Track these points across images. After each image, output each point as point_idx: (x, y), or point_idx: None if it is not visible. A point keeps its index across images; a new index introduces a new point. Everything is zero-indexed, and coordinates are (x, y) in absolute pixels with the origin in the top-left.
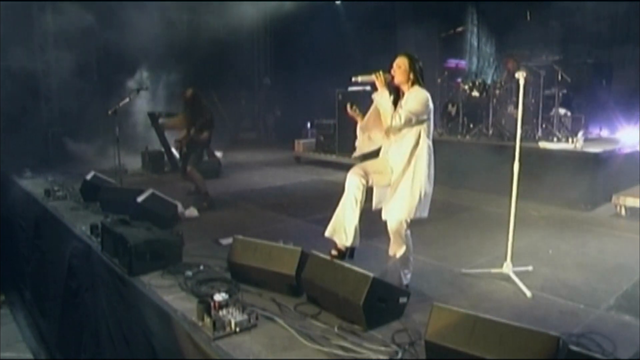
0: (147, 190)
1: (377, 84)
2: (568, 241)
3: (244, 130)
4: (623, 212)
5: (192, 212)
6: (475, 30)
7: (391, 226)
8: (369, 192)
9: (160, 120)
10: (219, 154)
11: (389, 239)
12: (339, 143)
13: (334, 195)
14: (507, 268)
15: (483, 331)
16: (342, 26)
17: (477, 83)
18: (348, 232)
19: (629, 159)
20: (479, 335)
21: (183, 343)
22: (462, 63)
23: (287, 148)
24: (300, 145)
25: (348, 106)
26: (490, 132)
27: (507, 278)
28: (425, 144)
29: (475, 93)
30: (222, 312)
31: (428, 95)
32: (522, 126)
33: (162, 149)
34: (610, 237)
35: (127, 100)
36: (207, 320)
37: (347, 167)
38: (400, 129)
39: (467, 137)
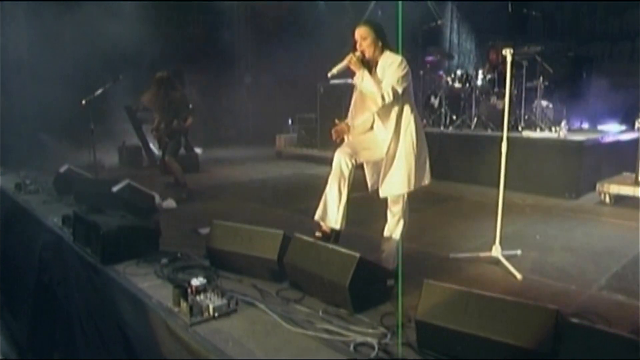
0: (123, 181)
1: (353, 67)
2: (554, 227)
3: (224, 127)
4: (607, 199)
5: (170, 203)
6: (455, 26)
7: (392, 200)
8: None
9: (137, 111)
10: (198, 150)
11: (377, 225)
12: (321, 137)
13: (317, 187)
14: (496, 251)
15: (477, 308)
16: (323, 20)
17: (459, 74)
18: (334, 213)
19: (612, 147)
20: (472, 312)
21: (158, 331)
22: (444, 54)
23: (268, 145)
24: (281, 140)
25: (333, 132)
26: (474, 123)
27: (496, 262)
28: (410, 109)
29: (458, 84)
30: (200, 297)
31: (402, 58)
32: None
33: (140, 144)
34: (596, 222)
35: (101, 90)
36: (184, 305)
37: (329, 161)
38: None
39: (450, 128)
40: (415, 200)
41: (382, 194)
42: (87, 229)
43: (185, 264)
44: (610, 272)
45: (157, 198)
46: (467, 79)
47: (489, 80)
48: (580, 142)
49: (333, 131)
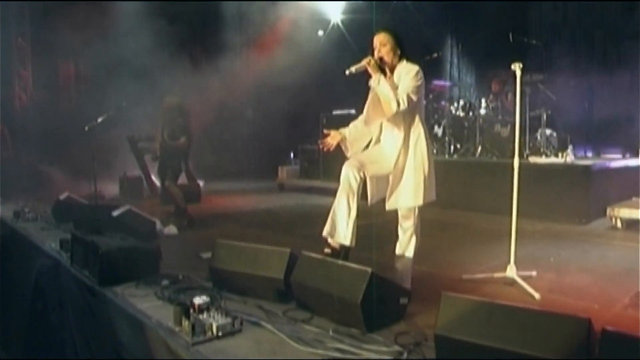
0: (124, 206)
1: (371, 70)
2: (568, 250)
3: (225, 162)
4: (619, 224)
5: (171, 229)
6: (455, 61)
7: (403, 215)
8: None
9: (139, 141)
10: (200, 182)
11: (387, 248)
12: (324, 168)
13: (322, 215)
14: (511, 271)
15: (501, 319)
16: (324, 52)
17: (462, 103)
18: (343, 228)
19: (620, 172)
20: (496, 324)
21: (158, 352)
22: (446, 84)
23: (270, 177)
24: (283, 172)
25: (323, 142)
26: (479, 151)
27: (511, 282)
28: (420, 122)
29: (461, 113)
30: (203, 316)
31: (419, 68)
32: (509, 145)
33: (142, 174)
34: (610, 245)
35: (103, 117)
36: (186, 323)
37: (333, 192)
38: (401, 114)
39: (455, 156)
40: (422, 227)
41: (388, 207)
42: (85, 250)
43: (186, 286)
44: (633, 292)
45: (158, 224)
46: (470, 107)
47: (493, 108)
48: (588, 167)
49: (323, 141)
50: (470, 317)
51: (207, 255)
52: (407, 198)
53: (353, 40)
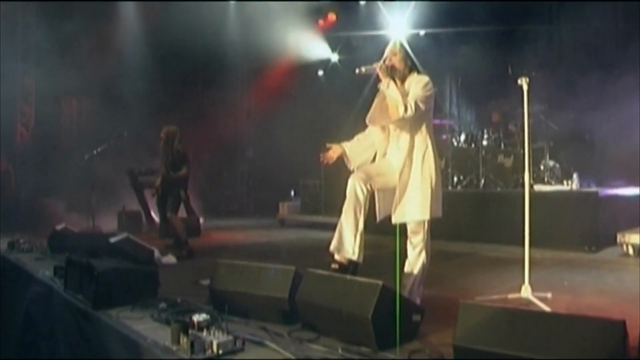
0: (121, 234)
1: (381, 74)
2: (581, 275)
3: (225, 201)
4: (631, 251)
5: (170, 259)
6: (455, 99)
7: (412, 230)
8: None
9: (139, 175)
10: (200, 219)
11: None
12: (326, 203)
13: (324, 248)
14: (526, 292)
15: (525, 327)
16: (324, 90)
17: (464, 135)
18: (350, 242)
19: (628, 200)
20: (520, 332)
21: None
22: (446, 120)
23: (270, 215)
24: (284, 207)
25: (324, 156)
26: (482, 182)
27: (527, 303)
28: (428, 135)
29: (463, 145)
30: (203, 334)
31: (429, 79)
32: (513, 175)
33: (140, 209)
34: (625, 271)
35: (104, 146)
36: (184, 340)
37: (335, 227)
38: (407, 121)
39: (459, 187)
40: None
41: (395, 220)
42: (80, 273)
43: (185, 308)
44: None
45: (157, 253)
46: (472, 139)
47: (495, 139)
48: (595, 192)
49: (324, 155)
50: (491, 325)
51: (206, 282)
52: (414, 211)
53: (351, 78)
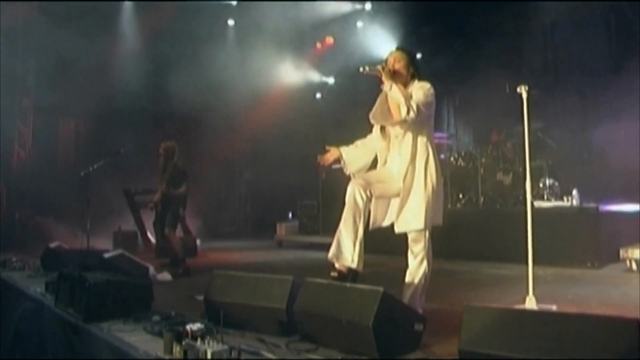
0: (116, 250)
1: (383, 76)
2: (585, 289)
3: (223, 223)
4: (634, 266)
5: (165, 276)
6: (452, 121)
7: (413, 239)
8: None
9: (136, 194)
10: (197, 241)
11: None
12: (324, 223)
13: (322, 267)
14: (531, 303)
15: (535, 328)
16: (321, 111)
17: (462, 153)
18: (349, 250)
19: (630, 217)
20: (529, 333)
21: None
22: (445, 137)
23: (268, 237)
24: (282, 228)
25: (321, 158)
26: (482, 200)
27: None
28: (429, 142)
29: (462, 162)
30: (197, 343)
31: (430, 85)
32: (512, 192)
33: (136, 229)
34: (630, 286)
35: (101, 163)
36: (177, 349)
37: None
38: (408, 124)
39: (458, 205)
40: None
41: (397, 230)
42: (72, 285)
43: (180, 321)
44: None
45: (152, 270)
46: (470, 158)
47: (494, 157)
48: (596, 208)
49: (321, 157)
50: (498, 328)
51: (202, 297)
52: (418, 221)
53: (348, 100)
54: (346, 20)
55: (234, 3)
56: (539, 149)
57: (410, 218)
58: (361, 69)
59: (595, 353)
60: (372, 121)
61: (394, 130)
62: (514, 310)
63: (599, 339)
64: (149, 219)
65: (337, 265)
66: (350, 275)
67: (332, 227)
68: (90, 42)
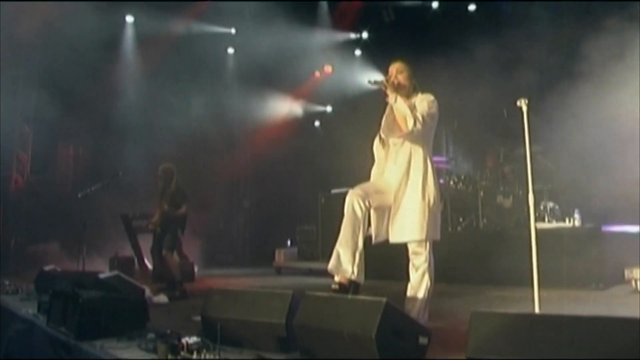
0: (112, 272)
1: (388, 88)
2: (591, 308)
3: (221, 251)
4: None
5: (162, 298)
6: (450, 148)
7: (413, 252)
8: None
9: (133, 219)
10: (194, 267)
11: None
12: (323, 248)
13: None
14: None
15: (545, 332)
16: (320, 139)
17: (462, 177)
18: (348, 262)
19: (633, 237)
20: (539, 338)
21: None
22: (443, 160)
23: (266, 264)
24: (280, 254)
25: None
26: (482, 223)
27: None
28: (428, 155)
29: (461, 186)
30: (193, 356)
31: (434, 98)
32: (513, 215)
33: (134, 255)
34: (636, 306)
35: (98, 185)
36: None
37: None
38: (416, 135)
39: (458, 229)
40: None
41: (392, 239)
42: (64, 303)
43: (175, 338)
44: None
45: (148, 292)
46: (470, 181)
47: (493, 180)
48: (598, 228)
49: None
50: (508, 334)
51: (199, 318)
52: (414, 231)
53: (347, 128)
54: (345, 48)
55: (233, 31)
56: (539, 173)
57: (407, 228)
58: (368, 81)
59: (611, 354)
60: (382, 135)
61: (393, 138)
62: (525, 314)
63: (614, 339)
64: (146, 245)
65: (337, 277)
66: (351, 287)
67: (331, 253)
68: (92, 68)
